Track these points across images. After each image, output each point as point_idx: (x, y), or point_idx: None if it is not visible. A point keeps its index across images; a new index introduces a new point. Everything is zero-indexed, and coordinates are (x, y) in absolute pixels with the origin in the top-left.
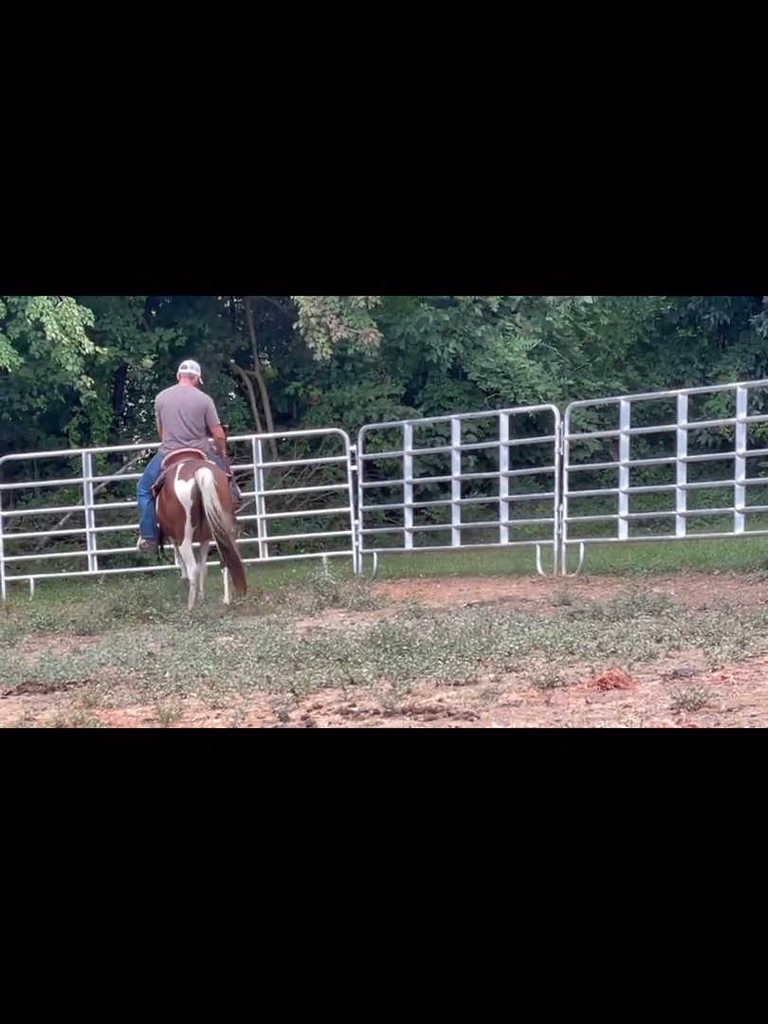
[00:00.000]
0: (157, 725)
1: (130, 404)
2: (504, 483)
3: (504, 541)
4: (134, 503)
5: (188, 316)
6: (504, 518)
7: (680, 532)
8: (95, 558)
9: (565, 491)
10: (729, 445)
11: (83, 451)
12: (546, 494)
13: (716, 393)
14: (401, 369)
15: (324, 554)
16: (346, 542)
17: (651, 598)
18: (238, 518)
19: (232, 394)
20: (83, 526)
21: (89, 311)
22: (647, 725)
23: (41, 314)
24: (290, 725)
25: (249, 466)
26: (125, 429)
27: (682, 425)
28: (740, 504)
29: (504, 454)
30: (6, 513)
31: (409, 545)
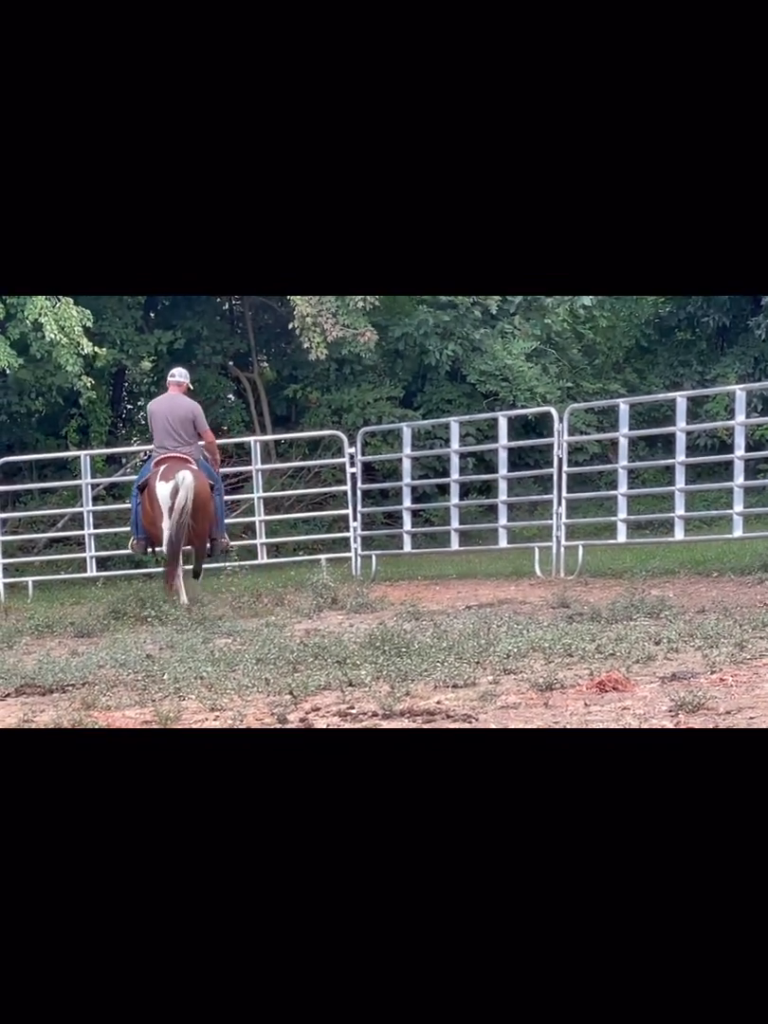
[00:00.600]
0: (155, 727)
1: (129, 406)
2: (503, 485)
3: (503, 543)
4: (132, 505)
5: (187, 318)
6: (503, 520)
7: (679, 534)
8: (94, 560)
9: (564, 493)
10: (728, 447)
11: (82, 453)
12: (545, 496)
13: (715, 396)
14: (400, 371)
15: (323, 556)
16: (345, 544)
17: (650, 600)
18: (236, 520)
19: (231, 396)
20: (82, 528)
21: (88, 312)
22: (645, 727)
23: (40, 314)
24: (288, 727)
25: (248, 468)
26: (124, 431)
27: (681, 427)
28: (739, 506)
29: (503, 456)
30: (5, 515)
31: (408, 547)
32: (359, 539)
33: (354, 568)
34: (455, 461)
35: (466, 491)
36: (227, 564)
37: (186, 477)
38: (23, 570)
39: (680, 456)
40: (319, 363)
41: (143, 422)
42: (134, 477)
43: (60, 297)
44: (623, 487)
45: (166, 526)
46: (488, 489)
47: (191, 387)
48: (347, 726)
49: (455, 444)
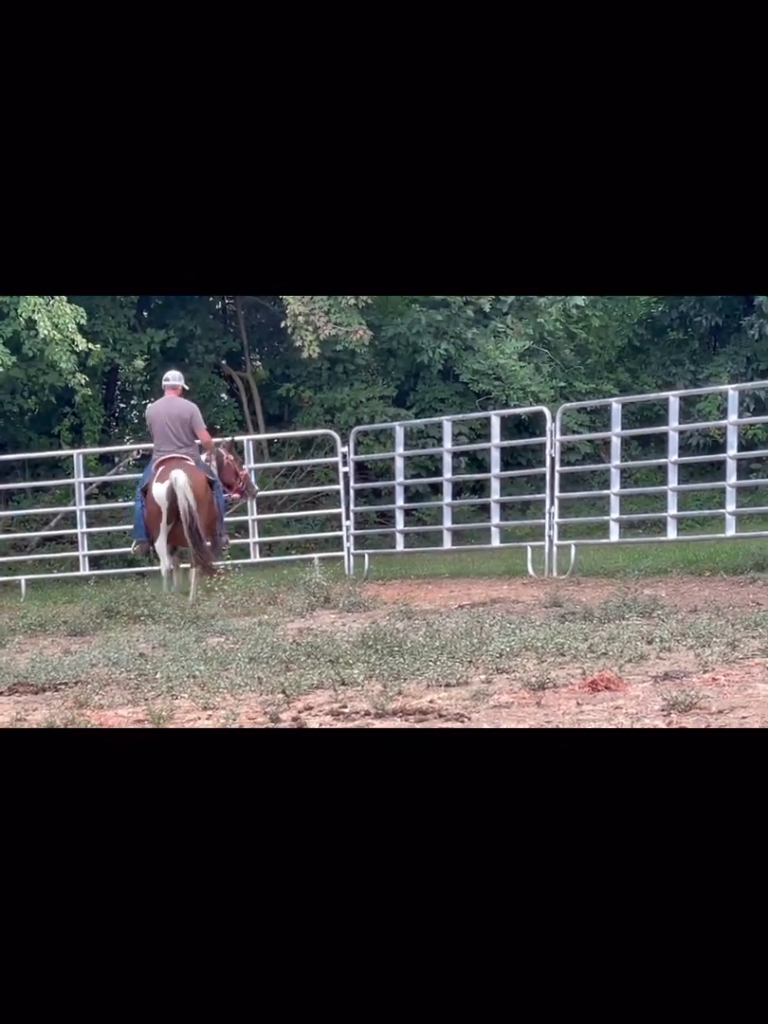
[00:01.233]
0: (148, 726)
1: (122, 405)
2: (495, 485)
3: (495, 543)
4: (125, 504)
5: (179, 317)
6: (495, 519)
7: (671, 534)
8: (86, 559)
9: (556, 493)
10: (720, 447)
11: (74, 452)
12: (537, 496)
13: (707, 395)
14: (392, 371)
15: (315, 555)
16: (337, 543)
17: (642, 600)
18: (229, 519)
19: (223, 396)
20: (74, 527)
21: (81, 309)
22: (637, 726)
23: (33, 312)
24: (281, 726)
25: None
26: (117, 430)
27: (673, 427)
28: (731, 506)
29: (495, 456)
30: None
31: (400, 546)
32: (352, 538)
33: (347, 567)
34: (448, 460)
35: (459, 490)
36: (220, 563)
37: (179, 477)
38: (16, 569)
39: (673, 455)
40: (312, 362)
41: (136, 421)
42: (128, 476)
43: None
44: (616, 486)
45: (162, 528)
46: (481, 488)
47: (186, 388)
48: (340, 725)
49: (448, 443)
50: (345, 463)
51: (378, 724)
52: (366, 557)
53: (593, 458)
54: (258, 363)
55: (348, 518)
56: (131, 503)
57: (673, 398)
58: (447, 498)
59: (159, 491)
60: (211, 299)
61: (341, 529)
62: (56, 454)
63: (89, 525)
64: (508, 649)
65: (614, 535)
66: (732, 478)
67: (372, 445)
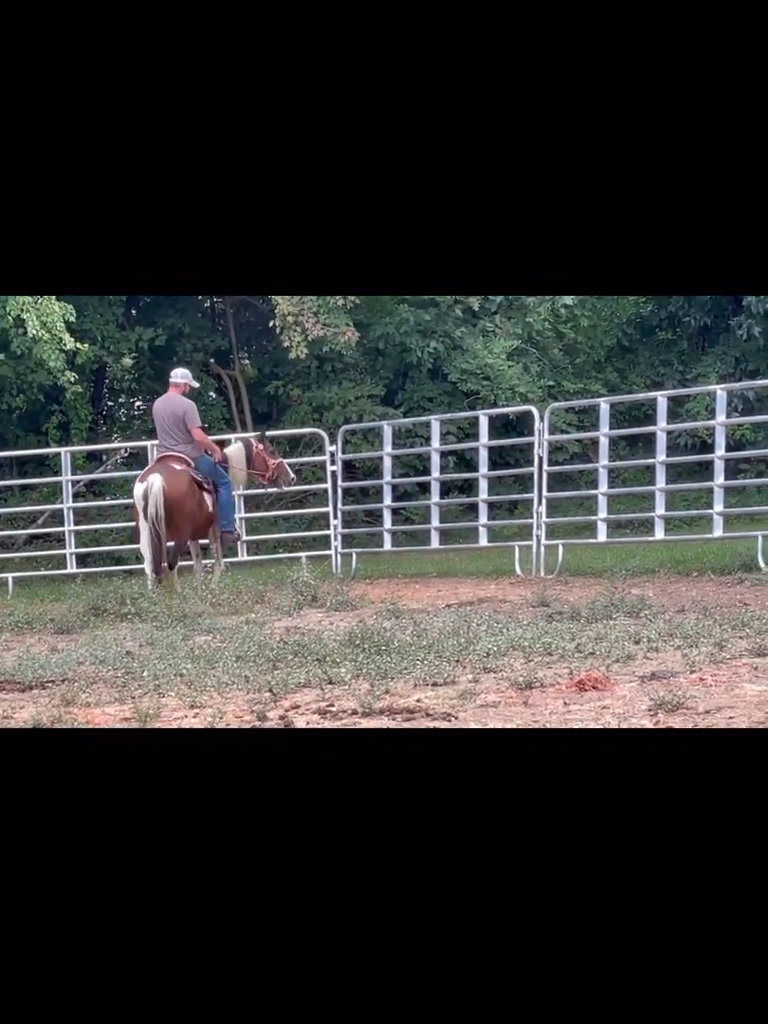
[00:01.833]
0: (135, 724)
1: (110, 403)
2: (483, 484)
3: (483, 542)
4: (112, 502)
5: (168, 316)
6: (483, 519)
7: (659, 534)
8: (73, 557)
9: (544, 492)
10: (708, 447)
11: (62, 450)
12: (525, 495)
13: (696, 395)
14: (381, 370)
15: (303, 554)
16: (325, 542)
17: (629, 600)
18: None
19: (212, 394)
20: (62, 525)
21: (70, 307)
22: (624, 726)
23: (22, 310)
24: (268, 725)
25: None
26: (104, 428)
27: (661, 427)
28: (719, 506)
29: (483, 455)
30: None
31: (388, 545)
32: (339, 537)
33: (334, 566)
34: (436, 459)
35: (447, 490)
36: (207, 561)
37: (154, 483)
38: (3, 567)
39: (660, 456)
40: (300, 361)
41: (124, 419)
42: (115, 474)
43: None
44: (603, 486)
45: (143, 527)
46: (469, 488)
47: (193, 386)
48: (327, 724)
49: (436, 443)
50: (333, 462)
51: (365, 723)
52: (354, 556)
53: (581, 458)
54: (246, 361)
55: (336, 517)
56: (118, 502)
57: (661, 398)
58: (435, 497)
59: (137, 491)
60: (200, 298)
61: (329, 528)
62: (44, 452)
63: (76, 523)
64: (495, 649)
65: (602, 535)
66: (720, 478)
67: (360, 444)
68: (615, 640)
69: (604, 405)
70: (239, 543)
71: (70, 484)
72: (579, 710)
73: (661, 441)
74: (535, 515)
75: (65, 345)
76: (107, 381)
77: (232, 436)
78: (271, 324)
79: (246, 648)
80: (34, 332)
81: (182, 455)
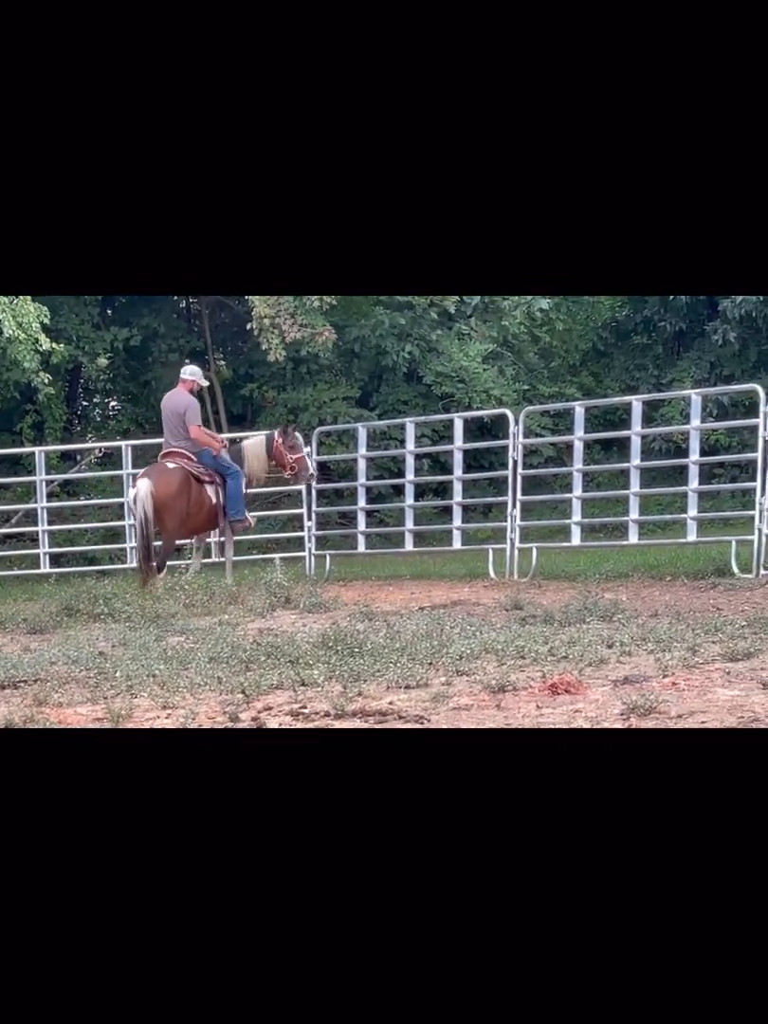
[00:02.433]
0: (107, 724)
1: (84, 403)
2: (458, 487)
3: (457, 545)
4: (86, 502)
5: (143, 316)
6: (457, 522)
7: (633, 538)
8: (47, 557)
9: (518, 496)
10: (683, 452)
11: (36, 449)
12: (499, 498)
13: (670, 400)
14: (356, 372)
15: (276, 555)
16: (299, 544)
17: (603, 604)
18: None
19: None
20: (35, 524)
21: (45, 308)
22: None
23: None
24: (240, 726)
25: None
26: (79, 428)
27: (636, 431)
28: (693, 511)
29: (458, 458)
30: None
31: (362, 548)
32: (313, 539)
33: (308, 568)
34: (410, 462)
35: (421, 492)
36: (182, 562)
37: (141, 488)
38: None
39: (635, 460)
40: (276, 362)
41: (99, 419)
42: (89, 474)
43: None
44: (578, 490)
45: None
46: (443, 490)
47: (202, 384)
48: (299, 726)
49: (410, 445)
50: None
51: (337, 725)
52: (328, 558)
53: (555, 461)
54: (222, 362)
55: (310, 518)
56: (92, 502)
57: (636, 402)
58: (409, 500)
59: (130, 494)
60: (175, 298)
61: (302, 529)
62: (18, 451)
63: (50, 523)
64: (468, 651)
65: (576, 538)
66: (694, 483)
67: (334, 446)
68: (588, 644)
69: (579, 409)
70: (214, 544)
71: (44, 484)
72: (551, 713)
73: (635, 445)
74: (509, 518)
75: (41, 345)
76: (82, 381)
77: (249, 434)
78: (248, 326)
79: (219, 649)
80: (10, 332)
81: (182, 450)
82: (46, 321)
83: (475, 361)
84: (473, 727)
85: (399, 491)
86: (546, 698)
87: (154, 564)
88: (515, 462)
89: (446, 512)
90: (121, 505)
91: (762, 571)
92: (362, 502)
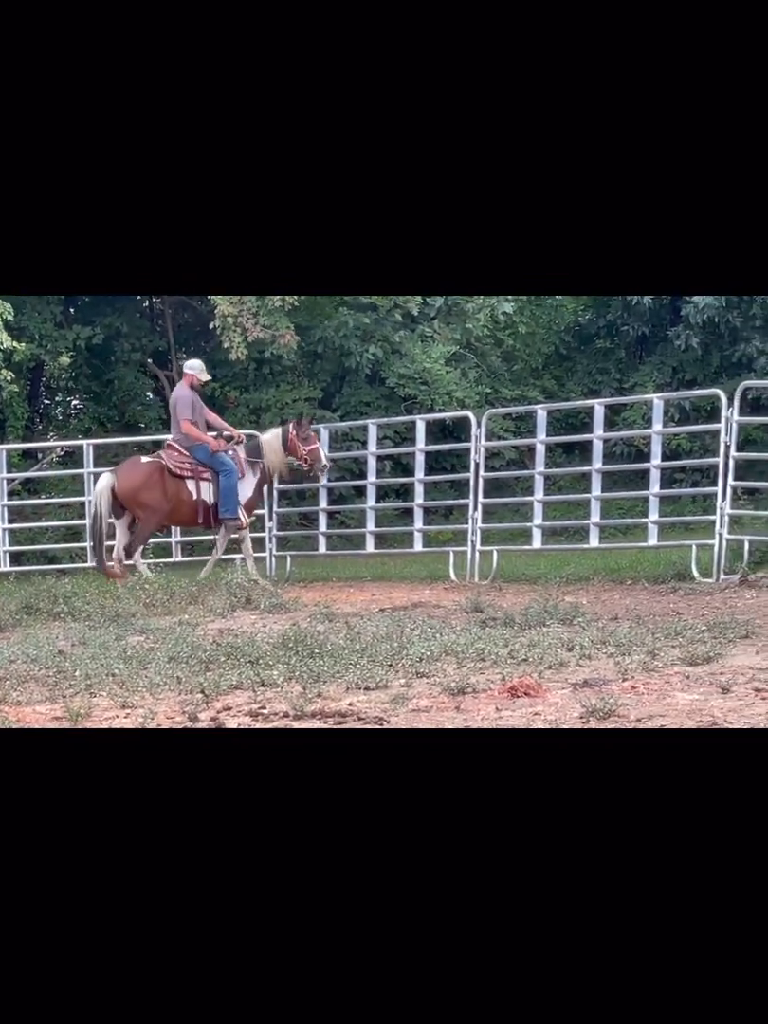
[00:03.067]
0: (66, 723)
1: (46, 402)
2: (419, 489)
3: (418, 547)
4: (47, 501)
5: (106, 315)
6: (418, 524)
7: (593, 542)
8: (6, 555)
9: (480, 498)
10: (644, 456)
11: None
12: (461, 501)
13: (632, 404)
14: (319, 373)
15: (238, 556)
16: (260, 544)
17: (563, 607)
18: None
19: (149, 394)
20: None
21: (8, 306)
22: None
23: None
24: (199, 726)
25: None
26: (41, 426)
27: (598, 435)
28: (654, 515)
29: (420, 460)
30: None
31: (323, 549)
32: (274, 539)
33: (269, 568)
34: (372, 463)
35: (382, 494)
36: (147, 561)
37: (101, 481)
38: None
39: (597, 464)
40: (238, 362)
41: (61, 417)
42: (51, 472)
43: None
44: (539, 493)
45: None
46: (404, 492)
47: (203, 379)
48: (258, 726)
49: (372, 447)
50: None
51: (297, 726)
52: (288, 559)
53: (517, 464)
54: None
55: (271, 519)
56: (53, 500)
57: (598, 406)
58: (370, 501)
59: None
60: (138, 298)
61: (264, 530)
62: None
63: (10, 521)
64: (428, 654)
65: (537, 542)
66: (655, 487)
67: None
68: (548, 647)
69: (541, 412)
70: (175, 545)
71: (5, 482)
72: (511, 716)
73: (597, 449)
74: (470, 521)
75: (2, 343)
76: (44, 379)
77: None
78: (211, 325)
79: (179, 649)
80: None
81: (176, 444)
82: (9, 318)
83: (438, 363)
84: (432, 728)
85: (361, 493)
86: (505, 700)
87: (119, 553)
88: (477, 465)
89: (407, 514)
90: (82, 504)
91: (722, 576)
92: (323, 503)
